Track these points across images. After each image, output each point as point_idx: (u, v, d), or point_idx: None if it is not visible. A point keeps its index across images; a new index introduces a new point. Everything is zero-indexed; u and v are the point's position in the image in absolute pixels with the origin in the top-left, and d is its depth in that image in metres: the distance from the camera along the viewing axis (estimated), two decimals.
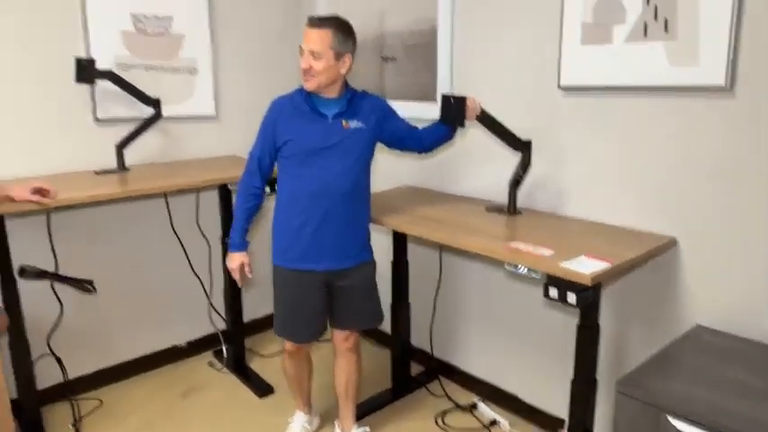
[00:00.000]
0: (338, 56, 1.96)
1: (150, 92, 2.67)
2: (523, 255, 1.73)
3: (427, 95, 2.67)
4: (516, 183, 2.20)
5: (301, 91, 2.05)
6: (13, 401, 2.32)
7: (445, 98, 2.08)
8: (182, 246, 3.01)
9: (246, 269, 2.14)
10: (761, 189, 1.72)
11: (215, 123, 3.07)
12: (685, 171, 1.88)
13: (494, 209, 2.29)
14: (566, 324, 2.30)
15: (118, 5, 2.65)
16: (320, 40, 1.92)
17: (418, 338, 2.92)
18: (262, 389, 2.81)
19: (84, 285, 2.51)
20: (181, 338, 3.13)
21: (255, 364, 3.06)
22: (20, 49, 2.43)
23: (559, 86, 2.14)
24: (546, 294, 1.67)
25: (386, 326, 3.11)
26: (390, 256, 2.67)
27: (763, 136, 1.69)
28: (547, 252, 1.73)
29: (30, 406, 2.43)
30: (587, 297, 1.61)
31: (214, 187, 2.92)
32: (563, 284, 1.62)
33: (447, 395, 2.73)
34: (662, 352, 1.68)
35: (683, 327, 1.91)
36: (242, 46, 3.12)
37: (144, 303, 2.97)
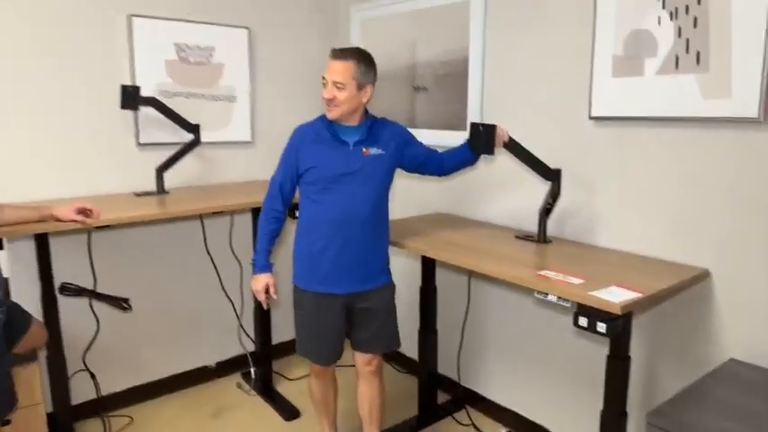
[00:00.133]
0: (360, 86, 2.02)
1: (190, 118, 2.77)
2: (553, 283, 1.73)
3: (457, 124, 2.72)
4: (546, 211, 2.21)
5: (323, 119, 2.11)
6: (47, 415, 2.40)
7: (474, 126, 2.12)
8: (215, 267, 3.08)
9: (271, 290, 2.17)
10: None
11: (250, 149, 3.16)
12: (718, 202, 1.87)
13: (523, 237, 2.30)
14: (596, 354, 2.27)
15: (163, 35, 2.78)
16: (343, 71, 1.98)
17: (445, 366, 2.90)
18: (289, 412, 2.82)
19: (121, 303, 2.59)
20: (210, 359, 3.17)
21: (282, 388, 3.08)
22: (70, 76, 2.56)
23: (590, 117, 2.16)
24: (576, 323, 1.66)
25: (412, 352, 3.12)
26: (418, 282, 2.69)
27: None
28: (577, 281, 1.73)
29: (64, 421, 2.49)
30: (617, 326, 1.60)
31: (247, 210, 3.00)
32: (593, 313, 1.61)
33: (474, 425, 2.71)
34: (694, 385, 1.65)
35: (716, 360, 1.88)
36: (278, 75, 3.23)
37: (176, 323, 3.04)
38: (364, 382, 2.31)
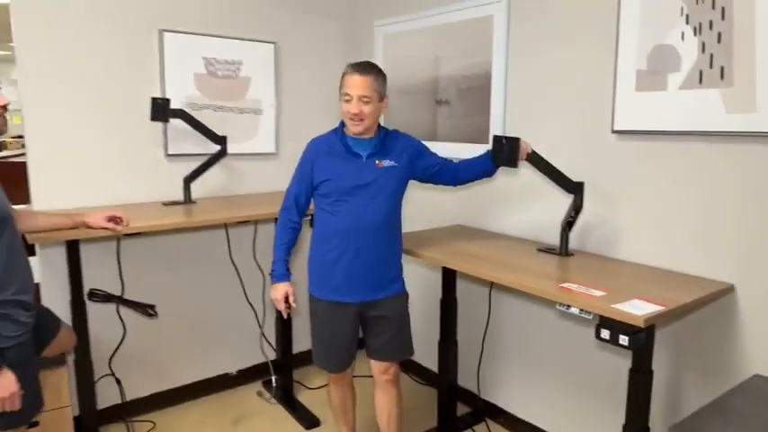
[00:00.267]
0: (380, 98, 2.09)
1: (217, 130, 2.84)
2: (575, 295, 1.74)
3: (479, 138, 2.74)
4: (569, 224, 2.22)
5: (336, 131, 2.17)
6: (74, 419, 2.45)
7: (497, 139, 2.14)
8: (238, 276, 3.13)
9: (291, 298, 2.20)
10: None
11: (275, 160, 3.22)
12: (741, 216, 1.87)
13: (545, 249, 2.30)
14: (618, 368, 2.26)
15: (192, 50, 2.86)
16: (368, 85, 2.04)
17: (465, 378, 2.90)
18: (308, 421, 2.84)
19: (147, 310, 2.65)
20: (232, 366, 3.21)
21: (302, 396, 3.10)
22: (105, 89, 2.65)
23: (613, 130, 2.17)
24: (598, 336, 1.67)
25: (431, 363, 3.12)
26: (437, 293, 2.70)
27: None
28: (599, 293, 1.74)
29: (90, 424, 2.54)
30: (640, 339, 1.60)
31: (271, 220, 3.04)
32: (615, 326, 1.62)
33: None
34: (717, 400, 1.64)
35: (740, 375, 1.86)
36: (302, 89, 3.30)
37: (199, 330, 3.08)
38: (381, 391, 2.32)
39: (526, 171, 2.52)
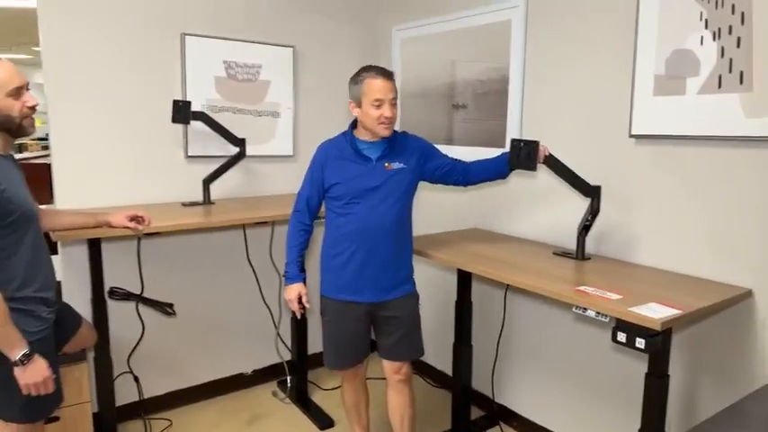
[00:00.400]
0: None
1: (236, 133, 2.88)
2: (592, 298, 1.74)
3: (495, 141, 2.75)
4: (585, 228, 2.22)
5: (345, 135, 2.21)
6: (93, 415, 2.49)
7: (515, 142, 2.15)
8: (255, 276, 3.16)
9: (304, 299, 2.23)
10: None
11: (292, 163, 3.26)
12: (760, 221, 1.86)
13: (561, 253, 2.31)
14: (633, 373, 2.25)
15: (213, 53, 2.91)
16: (393, 88, 2.10)
17: (479, 381, 2.91)
18: (323, 422, 2.86)
19: (166, 309, 2.69)
20: (247, 366, 3.25)
21: (317, 397, 3.12)
22: (129, 91, 2.71)
23: (630, 135, 2.17)
24: (614, 339, 1.67)
25: (444, 366, 3.13)
26: (451, 296, 2.71)
27: None
28: (616, 296, 1.74)
29: (108, 421, 2.57)
30: (656, 343, 1.60)
31: (287, 221, 3.07)
32: (632, 329, 1.62)
33: None
34: (735, 405, 1.62)
35: (757, 381, 1.85)
36: (320, 92, 3.33)
37: (216, 329, 3.12)
38: (394, 391, 2.34)
39: (542, 174, 2.52)
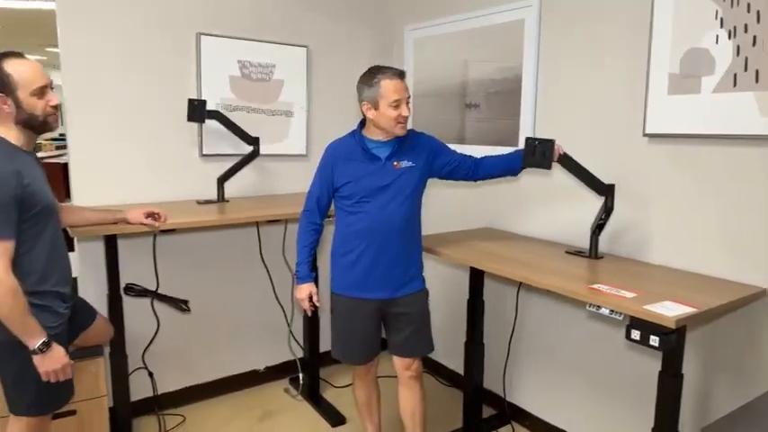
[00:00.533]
0: None
1: (250, 131, 2.90)
2: (606, 296, 1.74)
3: (508, 140, 2.75)
4: (599, 227, 2.22)
5: (354, 135, 2.22)
6: (108, 410, 2.52)
7: (530, 141, 2.15)
8: (268, 274, 3.19)
9: (315, 298, 2.26)
10: None
11: (305, 162, 3.28)
12: None
13: (574, 252, 2.31)
14: (646, 372, 2.25)
15: (228, 53, 2.94)
16: (407, 87, 2.13)
17: (490, 380, 2.91)
18: (335, 419, 2.88)
19: (180, 305, 2.72)
20: (260, 363, 3.27)
21: (329, 394, 3.14)
22: (145, 91, 2.74)
23: (644, 134, 2.17)
24: (628, 336, 1.67)
25: (455, 365, 3.14)
26: (462, 294, 2.72)
27: None
28: (630, 295, 1.74)
29: (123, 415, 2.60)
30: (671, 341, 1.60)
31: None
32: (646, 327, 1.62)
33: None
34: (750, 403, 1.62)
35: None
36: (333, 92, 3.35)
37: (229, 326, 3.15)
38: (405, 388, 2.35)
39: (555, 173, 2.52)
